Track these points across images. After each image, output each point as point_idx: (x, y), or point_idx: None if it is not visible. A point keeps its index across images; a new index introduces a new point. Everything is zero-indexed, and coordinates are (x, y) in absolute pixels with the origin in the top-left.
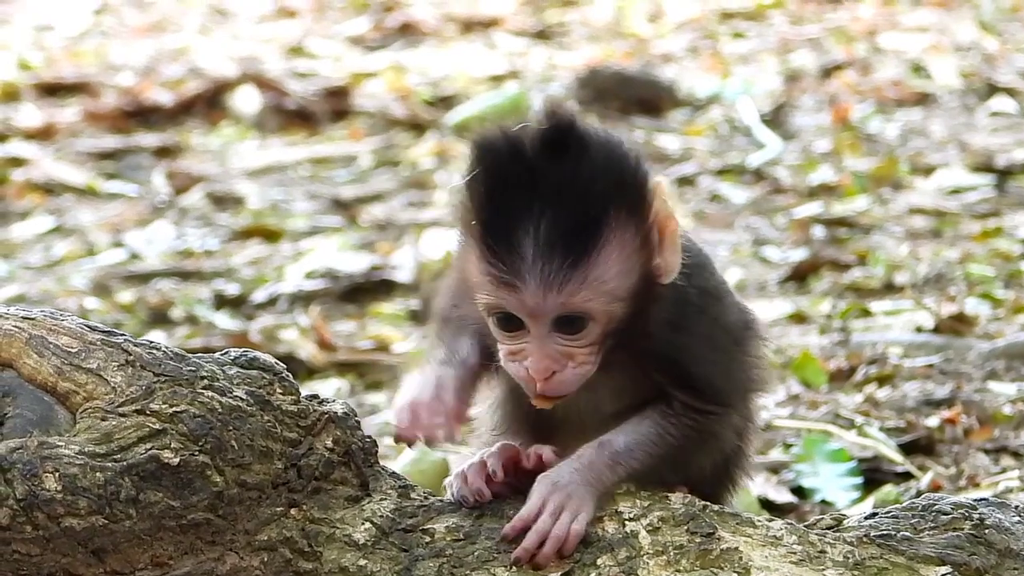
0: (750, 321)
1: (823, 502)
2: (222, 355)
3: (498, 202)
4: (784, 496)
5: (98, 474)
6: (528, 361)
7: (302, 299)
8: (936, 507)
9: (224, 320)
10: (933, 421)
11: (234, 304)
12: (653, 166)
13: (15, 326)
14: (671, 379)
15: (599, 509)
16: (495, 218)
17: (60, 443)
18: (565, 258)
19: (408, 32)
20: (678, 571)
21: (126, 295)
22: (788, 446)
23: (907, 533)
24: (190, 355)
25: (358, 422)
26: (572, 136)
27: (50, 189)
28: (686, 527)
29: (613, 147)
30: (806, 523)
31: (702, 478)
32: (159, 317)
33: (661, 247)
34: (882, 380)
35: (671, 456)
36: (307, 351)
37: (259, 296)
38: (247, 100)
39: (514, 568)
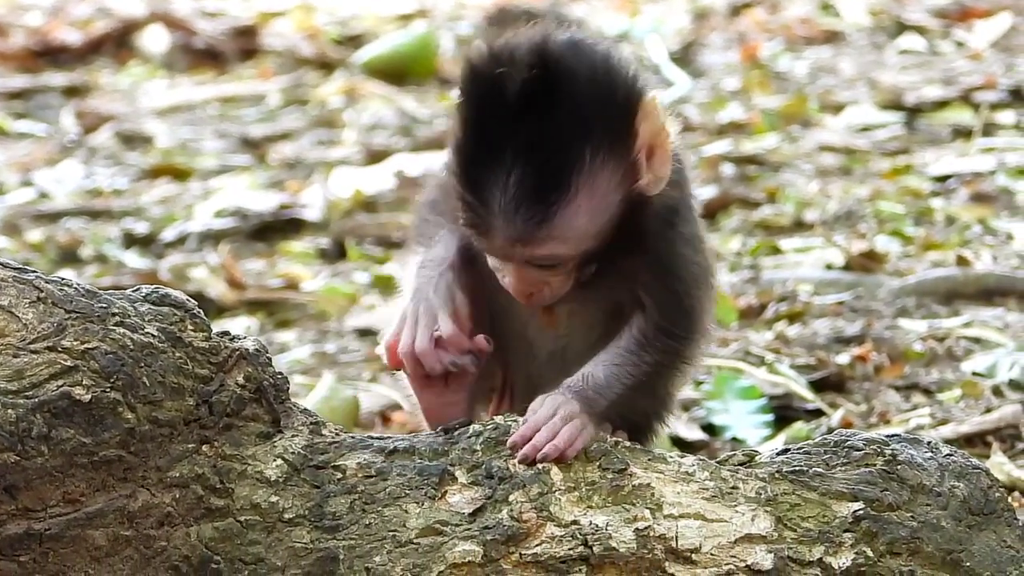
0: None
1: (734, 439)
2: (133, 292)
3: (476, 146)
4: (695, 433)
5: (10, 411)
6: (507, 280)
7: (211, 237)
8: (848, 443)
9: (133, 259)
10: (844, 358)
11: (143, 243)
12: (646, 82)
13: None
14: (653, 280)
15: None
16: (472, 163)
17: None
18: (529, 216)
19: None
20: (590, 507)
21: (35, 234)
22: (699, 383)
23: (819, 469)
24: (101, 292)
25: (269, 359)
26: (554, 82)
27: None
28: (598, 463)
29: (597, 83)
30: (718, 459)
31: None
32: (69, 256)
33: (650, 164)
34: (792, 317)
35: (645, 382)
36: (217, 289)
37: (168, 235)
38: (155, 39)
39: (425, 504)
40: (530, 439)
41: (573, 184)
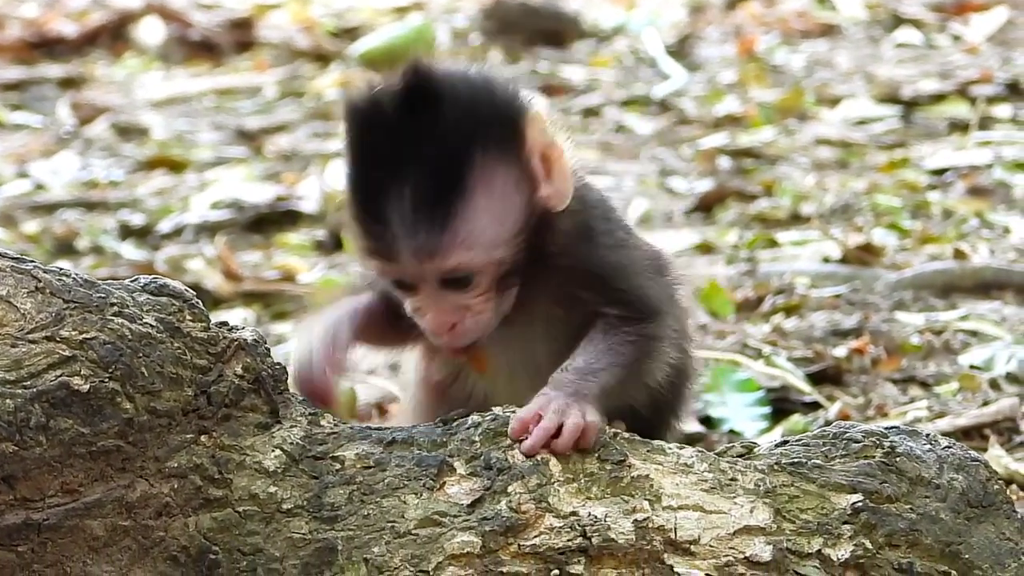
0: (658, 252)
1: (731, 432)
2: (132, 282)
3: (365, 168)
4: (692, 426)
5: (8, 401)
6: (427, 318)
7: (208, 229)
8: (847, 435)
9: (130, 250)
10: (841, 351)
11: (139, 234)
12: (530, 99)
13: None
14: (596, 293)
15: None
16: (364, 185)
17: None
18: (431, 224)
19: None
20: (589, 498)
21: (31, 225)
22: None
23: (818, 461)
24: (100, 282)
25: (268, 349)
26: (428, 91)
27: None
28: (596, 455)
29: (476, 91)
30: (717, 451)
31: (662, 401)
32: (65, 247)
33: (548, 176)
34: (789, 310)
35: (629, 368)
36: (213, 281)
37: (164, 226)
38: (151, 31)
39: (424, 495)
40: (520, 432)
41: (469, 184)
